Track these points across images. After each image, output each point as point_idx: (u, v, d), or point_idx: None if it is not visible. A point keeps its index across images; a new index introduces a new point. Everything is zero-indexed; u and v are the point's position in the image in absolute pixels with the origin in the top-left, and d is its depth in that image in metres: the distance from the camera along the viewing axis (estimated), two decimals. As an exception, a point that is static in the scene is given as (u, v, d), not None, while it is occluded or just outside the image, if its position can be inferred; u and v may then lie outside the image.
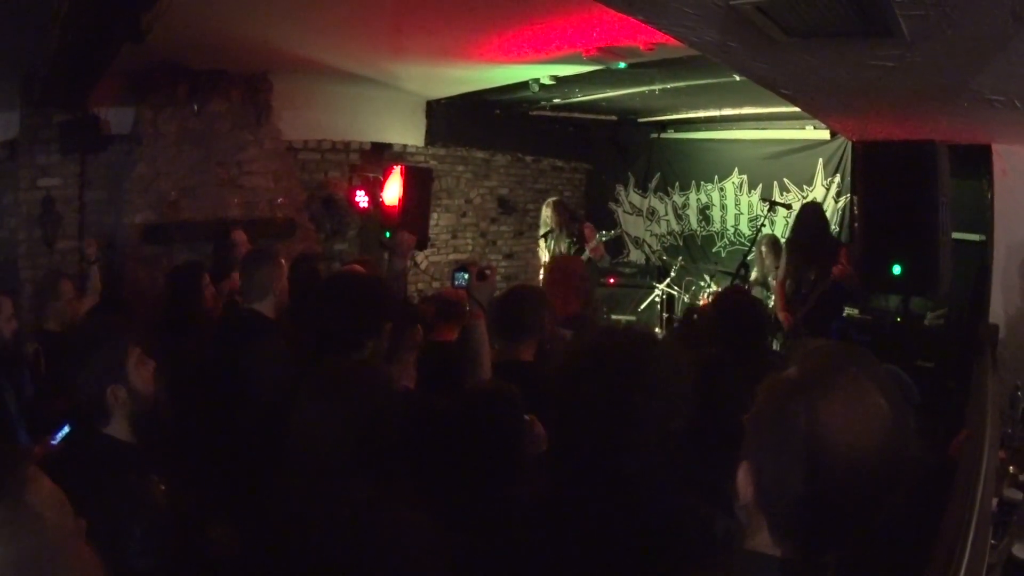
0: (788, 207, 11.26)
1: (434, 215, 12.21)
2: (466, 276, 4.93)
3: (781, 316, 8.84)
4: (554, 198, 11.28)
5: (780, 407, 1.79)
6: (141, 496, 3.21)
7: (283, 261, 5.22)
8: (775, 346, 8.78)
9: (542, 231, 10.77)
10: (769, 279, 10.08)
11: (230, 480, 4.06)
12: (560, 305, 5.78)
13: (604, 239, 10.75)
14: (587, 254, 10.29)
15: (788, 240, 9.35)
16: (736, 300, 6.16)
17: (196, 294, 6.49)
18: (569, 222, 10.73)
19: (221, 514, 3.87)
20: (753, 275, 10.58)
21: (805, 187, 11.84)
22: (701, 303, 11.07)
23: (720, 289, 10.49)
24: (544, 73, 9.26)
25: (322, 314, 4.40)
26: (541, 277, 7.98)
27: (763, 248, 10.36)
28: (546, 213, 10.71)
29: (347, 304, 4.29)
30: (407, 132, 12.41)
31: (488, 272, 4.97)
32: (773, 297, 9.53)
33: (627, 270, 13.44)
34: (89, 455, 3.28)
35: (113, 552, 2.70)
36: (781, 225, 11.91)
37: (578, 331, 5.22)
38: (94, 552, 2.01)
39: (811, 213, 9.06)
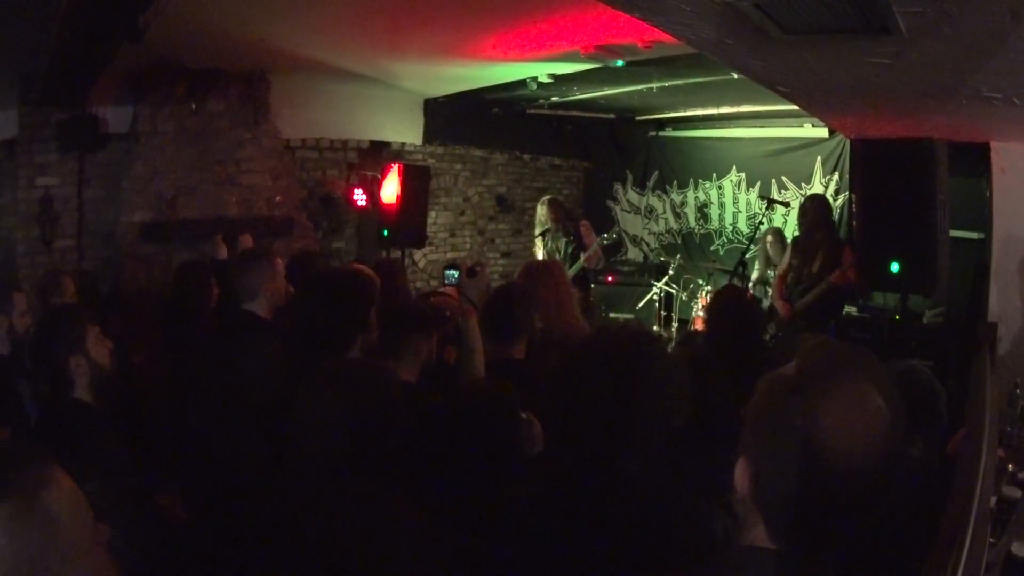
0: (786, 205, 11.27)
1: (432, 213, 12.21)
2: (456, 274, 4.91)
3: (778, 305, 8.83)
4: (549, 196, 11.26)
5: (778, 405, 1.79)
6: (100, 450, 3.61)
7: (277, 261, 5.23)
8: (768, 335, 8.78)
9: (538, 230, 10.74)
10: (769, 273, 10.09)
11: (224, 476, 4.13)
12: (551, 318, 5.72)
13: (605, 242, 10.75)
14: (582, 262, 10.30)
15: (795, 238, 9.35)
16: (727, 298, 6.18)
17: (205, 293, 6.52)
18: (565, 220, 10.70)
19: (172, 486, 4.11)
20: (755, 274, 10.61)
21: (803, 185, 11.86)
22: (698, 314, 11.07)
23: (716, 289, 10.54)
24: (542, 71, 9.26)
25: (308, 314, 4.40)
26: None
27: (769, 238, 10.40)
28: (541, 211, 10.68)
29: (331, 303, 4.29)
30: (405, 130, 12.42)
31: (478, 269, 4.95)
32: (771, 292, 9.55)
33: (625, 268, 13.43)
34: (58, 414, 3.88)
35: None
36: (779, 223, 11.92)
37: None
38: (110, 559, 2.04)
39: (816, 206, 9.05)
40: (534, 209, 12.40)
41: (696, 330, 10.33)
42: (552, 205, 10.70)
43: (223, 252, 7.98)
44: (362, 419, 2.85)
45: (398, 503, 2.80)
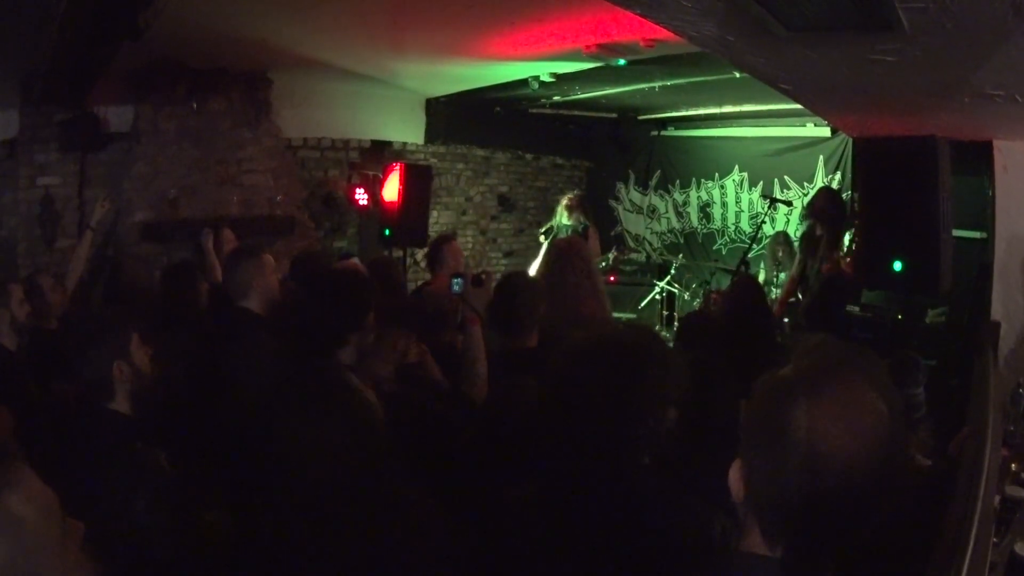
0: (789, 204, 11.28)
1: (434, 213, 12.22)
2: (461, 282, 4.89)
3: (776, 307, 8.85)
4: (579, 192, 11.15)
5: (774, 407, 1.75)
6: (146, 464, 3.47)
7: (267, 258, 5.27)
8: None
9: (549, 224, 10.61)
10: (781, 276, 10.07)
11: (221, 469, 4.13)
12: (580, 303, 5.69)
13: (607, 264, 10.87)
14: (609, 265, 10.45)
15: (802, 235, 9.38)
16: (745, 285, 6.18)
17: (192, 292, 6.52)
18: (580, 213, 10.55)
19: (214, 499, 4.02)
20: (761, 275, 10.59)
21: (806, 184, 11.85)
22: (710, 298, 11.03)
23: (718, 289, 10.54)
24: (544, 70, 9.26)
25: (304, 312, 4.41)
26: (536, 268, 7.76)
27: (779, 240, 10.38)
28: (564, 202, 10.48)
29: (326, 302, 4.30)
30: (407, 130, 12.43)
31: (484, 278, 4.94)
32: (777, 292, 9.57)
33: (627, 268, 13.41)
34: (96, 428, 3.65)
35: (122, 516, 3.15)
36: (781, 222, 11.93)
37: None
38: (87, 555, 2.01)
39: (816, 199, 9.08)
40: (537, 209, 12.37)
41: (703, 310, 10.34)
42: (577, 197, 10.54)
43: (211, 252, 8.02)
44: (342, 434, 2.83)
45: (416, 503, 2.80)
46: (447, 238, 7.84)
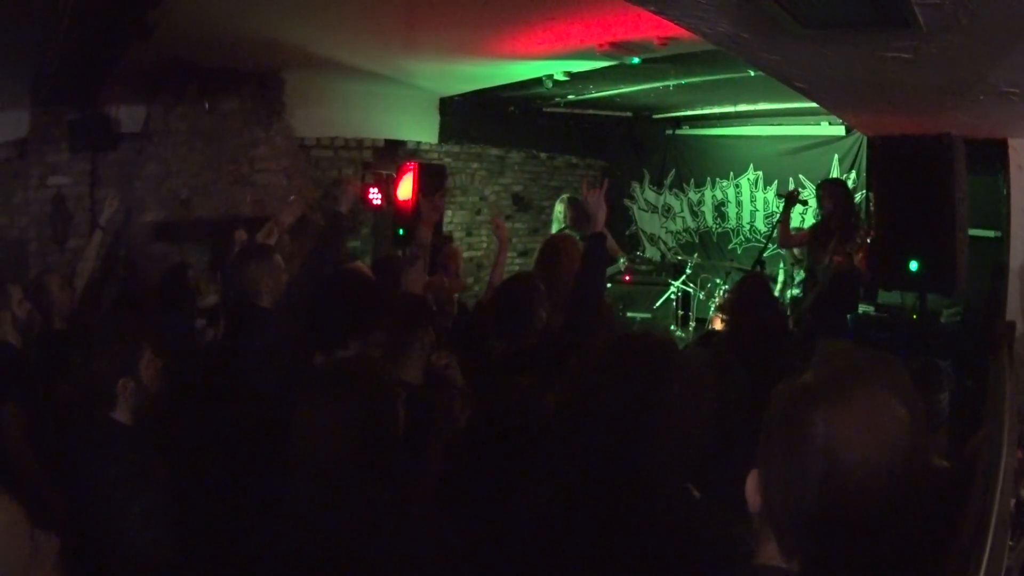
0: (804, 203, 11.23)
1: (448, 212, 12.20)
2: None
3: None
4: (568, 195, 11.14)
5: (793, 415, 1.71)
6: (143, 474, 3.43)
7: (277, 259, 5.44)
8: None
9: (554, 228, 10.62)
10: (799, 275, 10.05)
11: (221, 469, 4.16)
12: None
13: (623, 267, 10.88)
14: (620, 267, 10.46)
15: (813, 224, 9.38)
16: (752, 285, 6.14)
17: (183, 288, 6.55)
18: (583, 221, 10.57)
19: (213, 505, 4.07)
20: (780, 276, 10.57)
21: (821, 183, 11.83)
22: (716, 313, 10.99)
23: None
24: (558, 69, 9.24)
25: (311, 310, 4.42)
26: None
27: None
28: (559, 209, 10.54)
29: (335, 303, 4.33)
30: (420, 129, 12.40)
31: (447, 367, 4.82)
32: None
33: (642, 267, 13.38)
34: (95, 436, 3.66)
35: (118, 524, 3.17)
36: (796, 221, 11.89)
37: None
38: (60, 571, 1.98)
39: (828, 192, 9.06)
40: (551, 208, 12.34)
41: (714, 329, 10.26)
42: (572, 204, 10.56)
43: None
44: (356, 420, 2.83)
45: (419, 506, 2.78)
46: (445, 240, 7.84)
